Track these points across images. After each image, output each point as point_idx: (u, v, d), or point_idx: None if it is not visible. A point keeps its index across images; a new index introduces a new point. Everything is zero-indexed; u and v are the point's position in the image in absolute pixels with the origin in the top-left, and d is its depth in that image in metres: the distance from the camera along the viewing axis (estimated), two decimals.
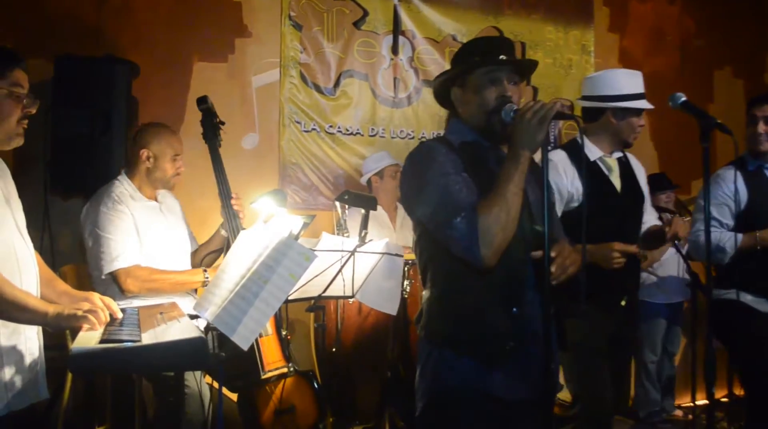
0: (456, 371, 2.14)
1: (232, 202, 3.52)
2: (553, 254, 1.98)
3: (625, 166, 3.27)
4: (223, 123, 3.65)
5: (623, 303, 3.17)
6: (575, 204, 3.10)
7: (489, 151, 2.24)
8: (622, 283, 3.15)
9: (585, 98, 3.26)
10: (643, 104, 3.15)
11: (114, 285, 3.24)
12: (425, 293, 2.28)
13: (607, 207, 3.04)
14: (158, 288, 3.29)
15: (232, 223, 3.50)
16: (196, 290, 3.55)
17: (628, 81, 3.18)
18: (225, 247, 3.54)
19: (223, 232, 3.56)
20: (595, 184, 3.11)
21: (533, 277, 2.13)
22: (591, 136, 3.20)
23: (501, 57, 2.19)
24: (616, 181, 3.18)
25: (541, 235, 1.97)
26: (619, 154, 3.26)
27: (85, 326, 2.15)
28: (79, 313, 2.15)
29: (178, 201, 3.71)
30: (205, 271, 3.42)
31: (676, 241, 4.50)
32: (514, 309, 2.12)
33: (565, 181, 3.10)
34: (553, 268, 1.98)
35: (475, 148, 2.22)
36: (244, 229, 3.47)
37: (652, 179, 4.96)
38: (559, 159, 3.13)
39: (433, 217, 2.11)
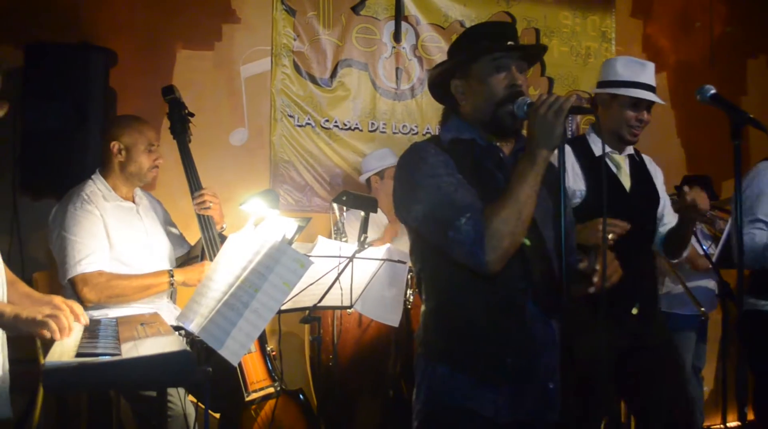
0: (451, 389, 2.15)
1: (198, 200, 3.50)
2: (597, 267, 2.04)
3: (637, 165, 3.29)
4: (192, 115, 3.65)
5: (635, 311, 3.12)
6: (578, 201, 3.12)
7: (485, 150, 2.23)
8: (633, 287, 3.03)
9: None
10: (630, 91, 3.08)
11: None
12: (423, 306, 2.29)
13: (615, 205, 2.97)
14: (119, 294, 3.25)
15: (205, 227, 3.50)
16: (174, 299, 3.55)
17: (626, 67, 3.15)
18: (201, 253, 3.56)
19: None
20: (601, 181, 3.09)
21: (533, 289, 2.15)
22: (599, 130, 3.20)
23: (509, 43, 2.20)
24: (626, 179, 3.20)
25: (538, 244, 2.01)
26: (629, 152, 3.26)
27: (48, 334, 2.14)
28: (39, 317, 2.14)
29: (159, 202, 3.72)
30: (171, 272, 3.39)
31: (704, 248, 4.52)
32: (517, 322, 2.13)
33: (568, 176, 3.12)
34: (596, 279, 2.04)
35: (467, 147, 2.22)
36: (215, 234, 3.50)
37: (694, 179, 4.95)
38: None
39: (430, 220, 2.10)
